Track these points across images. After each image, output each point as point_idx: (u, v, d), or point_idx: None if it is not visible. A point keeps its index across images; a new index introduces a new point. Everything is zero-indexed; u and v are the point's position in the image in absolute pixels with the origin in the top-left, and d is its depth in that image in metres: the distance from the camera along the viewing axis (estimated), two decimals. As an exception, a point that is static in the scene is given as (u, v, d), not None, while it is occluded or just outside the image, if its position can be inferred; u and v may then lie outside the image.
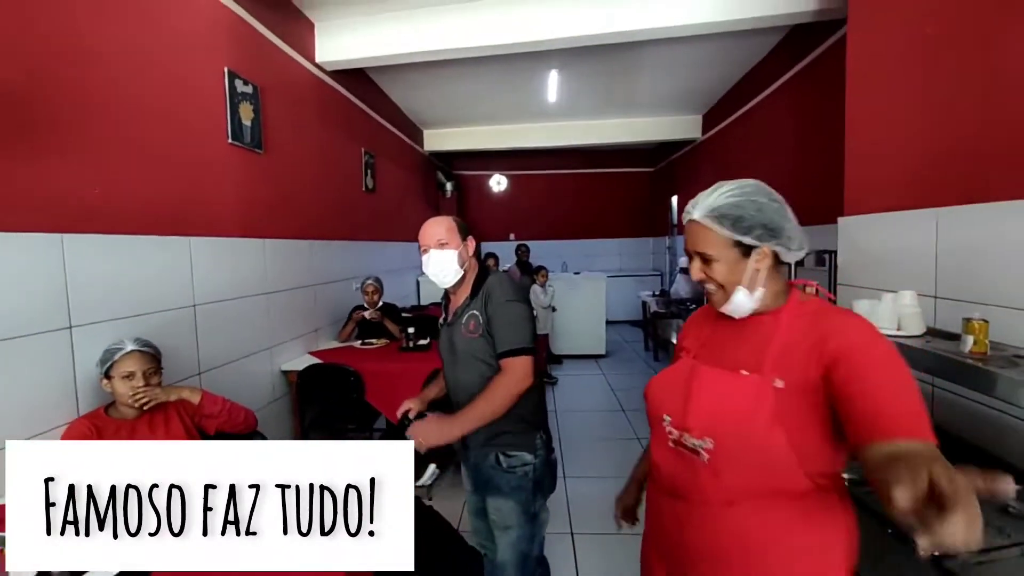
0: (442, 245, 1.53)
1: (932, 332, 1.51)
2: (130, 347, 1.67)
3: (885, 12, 2.12)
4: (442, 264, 1.53)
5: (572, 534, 2.49)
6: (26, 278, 1.59)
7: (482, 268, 1.62)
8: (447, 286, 1.59)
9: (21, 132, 1.59)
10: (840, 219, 2.36)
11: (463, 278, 1.58)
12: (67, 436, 1.60)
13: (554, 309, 5.39)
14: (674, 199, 7.91)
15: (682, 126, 6.56)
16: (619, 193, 9.13)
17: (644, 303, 6.65)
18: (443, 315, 1.69)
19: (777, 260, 0.92)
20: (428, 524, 2.05)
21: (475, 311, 1.52)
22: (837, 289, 2.36)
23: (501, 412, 1.43)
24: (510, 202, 9.12)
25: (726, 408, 0.89)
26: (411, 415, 1.59)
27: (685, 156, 7.23)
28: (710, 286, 0.95)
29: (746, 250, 0.90)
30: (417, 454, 1.34)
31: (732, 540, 0.90)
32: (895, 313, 1.52)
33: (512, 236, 8.85)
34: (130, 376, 1.64)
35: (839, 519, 0.88)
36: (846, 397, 0.77)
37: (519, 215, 9.05)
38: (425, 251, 1.55)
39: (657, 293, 6.68)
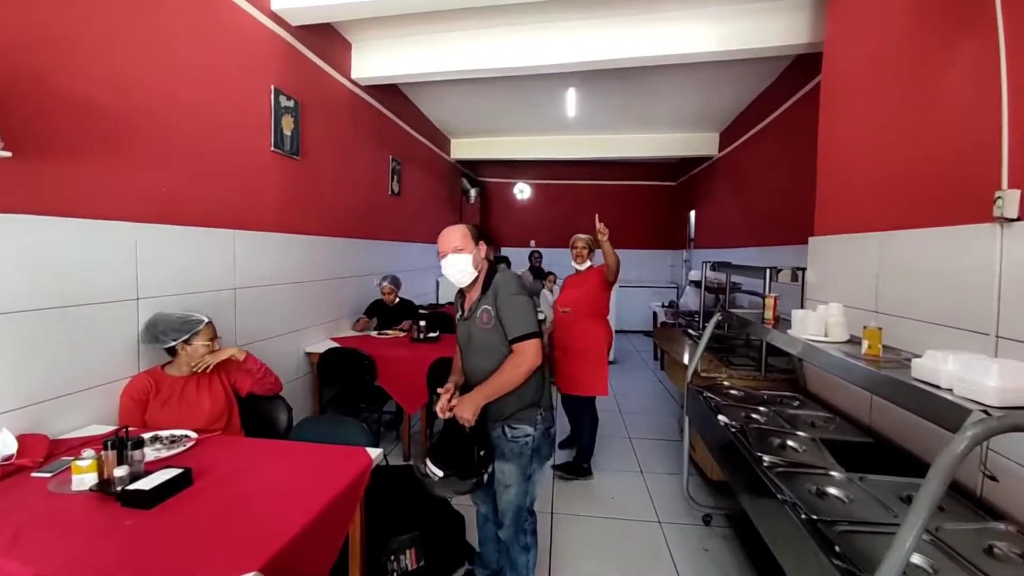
0: (458, 250, 1.78)
1: (853, 340, 1.73)
2: (206, 319, 2.11)
3: (846, 61, 2.36)
4: (458, 266, 1.79)
5: (552, 514, 2.75)
6: (107, 256, 1.99)
7: (491, 267, 1.87)
8: (463, 285, 1.86)
9: (108, 140, 1.99)
10: (810, 239, 2.57)
11: (476, 278, 1.84)
12: (130, 386, 1.98)
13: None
14: (692, 213, 8.06)
15: (700, 143, 6.74)
16: (641, 205, 9.32)
17: (654, 313, 6.83)
18: (459, 311, 1.94)
19: None
20: (424, 495, 2.36)
21: (487, 305, 1.78)
22: (805, 303, 2.57)
23: (514, 386, 1.71)
24: (532, 210, 9.43)
25: (573, 297, 3.23)
26: (447, 394, 1.80)
27: (704, 172, 7.40)
28: (583, 258, 3.27)
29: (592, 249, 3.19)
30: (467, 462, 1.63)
31: (576, 337, 3.17)
32: (823, 322, 1.75)
33: (532, 243, 9.13)
34: (208, 342, 2.08)
35: (609, 327, 3.28)
36: (605, 276, 3.08)
37: (540, 223, 9.33)
38: (443, 255, 1.82)
39: (667, 304, 6.85)
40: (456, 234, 1.81)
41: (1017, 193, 1.41)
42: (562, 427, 3.59)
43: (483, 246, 1.85)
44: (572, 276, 3.37)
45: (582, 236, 3.31)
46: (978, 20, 1.58)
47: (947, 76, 1.72)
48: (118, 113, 2.02)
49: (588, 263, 3.27)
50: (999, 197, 1.44)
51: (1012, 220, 1.43)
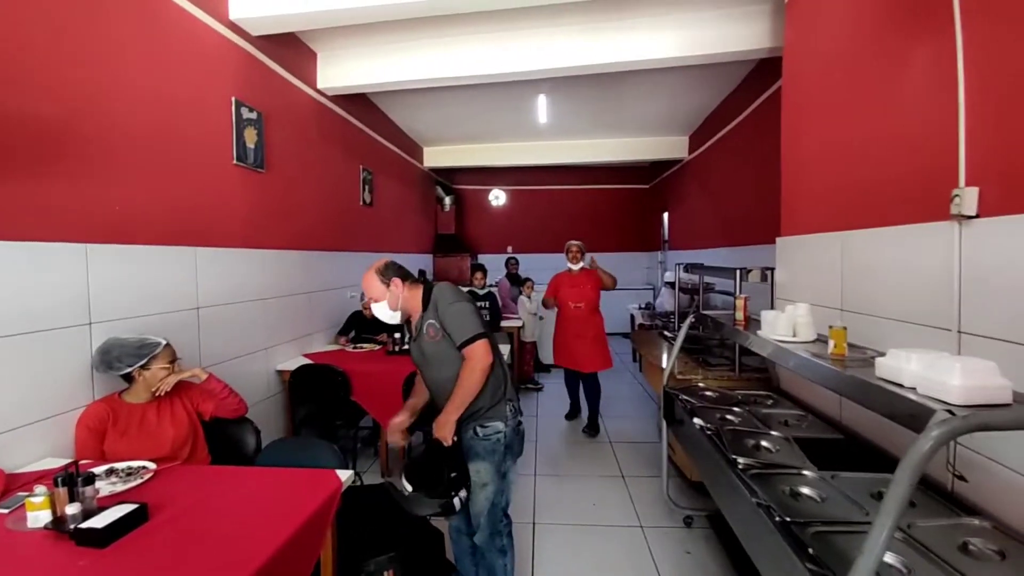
0: (375, 300, 1.89)
1: (820, 339, 1.75)
2: (164, 342, 2.00)
3: (805, 65, 2.42)
4: (381, 313, 1.91)
5: (534, 524, 2.72)
6: (55, 281, 1.89)
7: (426, 284, 1.92)
8: (395, 323, 1.95)
9: (55, 158, 1.90)
10: (778, 239, 2.61)
11: (407, 308, 1.89)
12: (86, 415, 1.88)
13: (541, 318, 5.64)
14: (665, 215, 8.16)
15: (670, 146, 6.84)
16: (616, 209, 9.39)
17: (632, 316, 6.88)
18: (408, 333, 1.99)
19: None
20: (402, 513, 2.31)
21: (431, 320, 1.83)
22: (775, 303, 2.60)
23: (477, 390, 1.77)
24: (508, 216, 9.42)
25: (582, 295, 4.11)
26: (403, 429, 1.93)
27: (675, 174, 7.50)
28: (577, 260, 4.16)
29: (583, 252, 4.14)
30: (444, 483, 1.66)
31: (590, 327, 4.12)
32: (791, 322, 1.77)
33: (510, 249, 9.12)
34: (168, 365, 1.99)
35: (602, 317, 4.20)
36: (599, 284, 4.15)
37: (517, 229, 9.33)
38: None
39: (643, 306, 6.90)
40: (368, 286, 1.90)
41: (975, 191, 1.43)
42: (561, 400, 4.73)
43: (397, 282, 1.89)
44: (567, 275, 4.20)
45: (575, 242, 4.18)
46: (935, 20, 1.59)
47: (904, 76, 1.76)
48: (64, 128, 1.92)
49: (581, 264, 4.15)
50: (956, 195, 1.47)
51: (970, 217, 1.45)
